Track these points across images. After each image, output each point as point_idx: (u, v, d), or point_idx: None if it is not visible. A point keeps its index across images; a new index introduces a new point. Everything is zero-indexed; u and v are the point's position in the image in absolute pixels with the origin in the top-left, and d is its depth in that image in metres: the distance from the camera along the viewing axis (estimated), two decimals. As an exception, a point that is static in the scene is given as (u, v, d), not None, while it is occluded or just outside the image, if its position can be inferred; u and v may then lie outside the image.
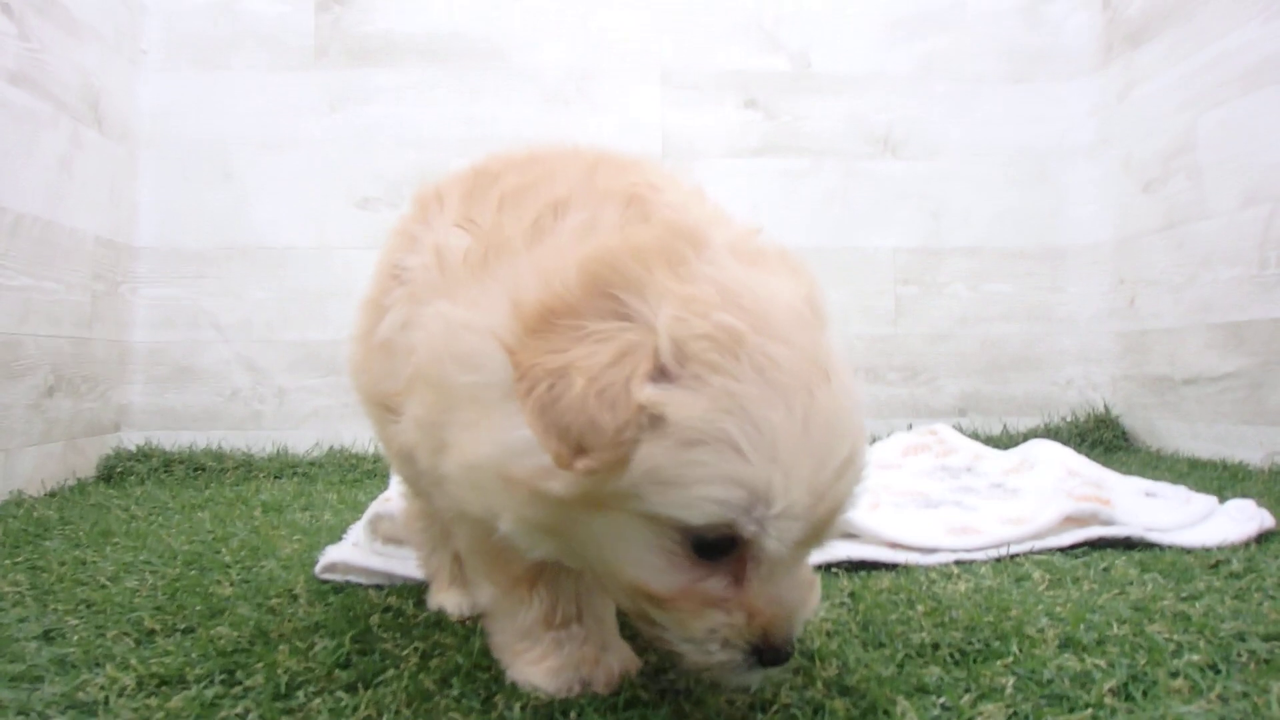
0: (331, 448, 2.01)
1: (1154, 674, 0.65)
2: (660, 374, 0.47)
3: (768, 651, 0.52)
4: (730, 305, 0.49)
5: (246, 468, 1.90)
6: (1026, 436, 2.08)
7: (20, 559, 1.08)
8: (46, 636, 0.78)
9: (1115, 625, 0.76)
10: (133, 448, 1.95)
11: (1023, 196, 2.29)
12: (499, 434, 0.51)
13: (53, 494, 1.65)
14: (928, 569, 1.03)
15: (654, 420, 0.47)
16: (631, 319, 0.49)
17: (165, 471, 1.87)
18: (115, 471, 1.86)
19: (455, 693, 0.63)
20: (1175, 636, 0.73)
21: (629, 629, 0.69)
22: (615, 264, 0.50)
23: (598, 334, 0.48)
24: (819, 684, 0.64)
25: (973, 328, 2.27)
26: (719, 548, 0.50)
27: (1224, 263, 1.88)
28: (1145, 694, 0.62)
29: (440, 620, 0.83)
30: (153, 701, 0.62)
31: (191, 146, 2.06)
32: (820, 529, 0.51)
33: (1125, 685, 0.63)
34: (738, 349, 0.48)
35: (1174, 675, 0.65)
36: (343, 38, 2.11)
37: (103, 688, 0.64)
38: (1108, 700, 0.61)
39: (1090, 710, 0.59)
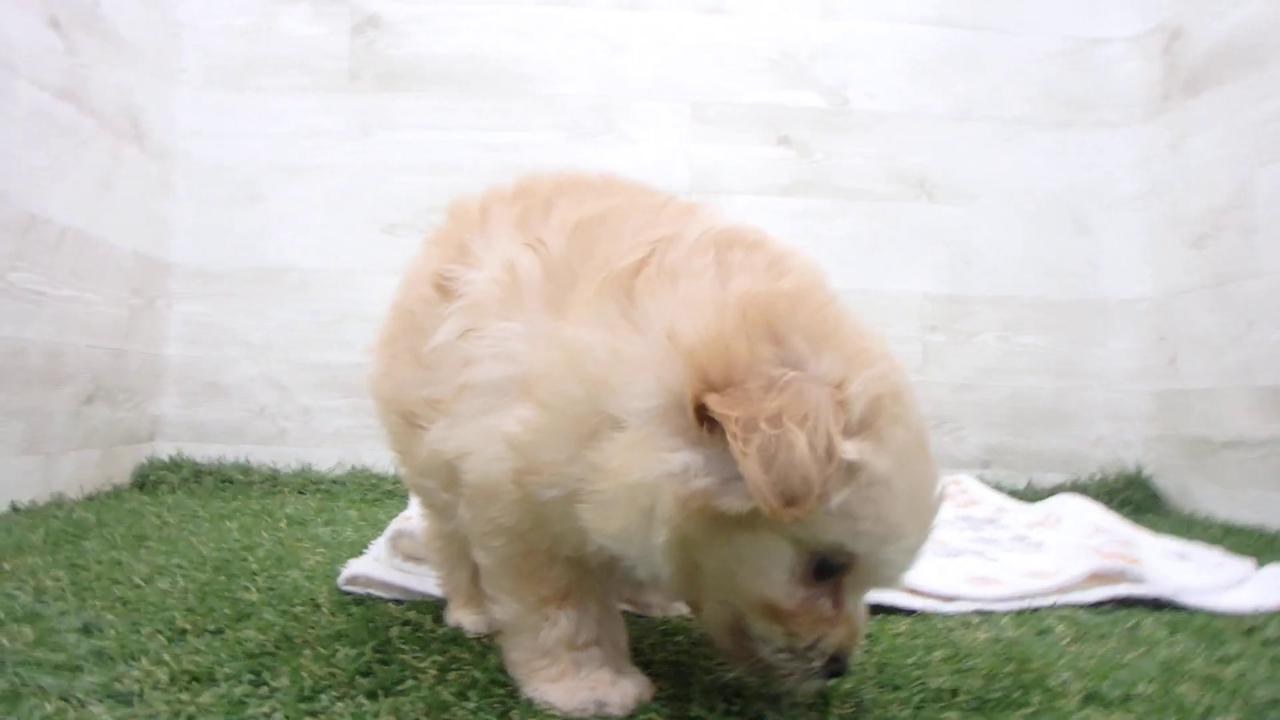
0: (353, 467, 2.04)
1: None
2: (848, 429, 0.53)
3: (840, 660, 0.59)
4: (895, 367, 0.57)
5: (272, 482, 1.94)
6: (1052, 492, 2.03)
7: (60, 556, 1.12)
8: (86, 630, 0.81)
9: (1143, 684, 0.74)
10: (165, 458, 2.01)
11: (1059, 246, 2.23)
12: (660, 459, 0.54)
13: (91, 498, 1.71)
14: (946, 616, 1.02)
15: (849, 469, 0.53)
16: (802, 367, 0.54)
17: (195, 482, 1.92)
18: (149, 480, 1.92)
19: (472, 705, 0.65)
20: (1206, 699, 0.70)
21: (639, 658, 0.70)
22: (776, 309, 0.55)
23: (786, 384, 0.53)
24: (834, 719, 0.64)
25: (1001, 379, 2.22)
26: (831, 570, 0.57)
27: (1272, 324, 1.80)
28: None
29: (458, 636, 0.84)
30: (184, 696, 0.65)
31: (223, 167, 2.11)
32: (913, 563, 0.59)
33: None
34: (902, 406, 0.56)
35: None
36: (375, 61, 2.14)
37: (138, 680, 0.67)
38: None
39: None
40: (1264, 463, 1.83)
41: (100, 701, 0.63)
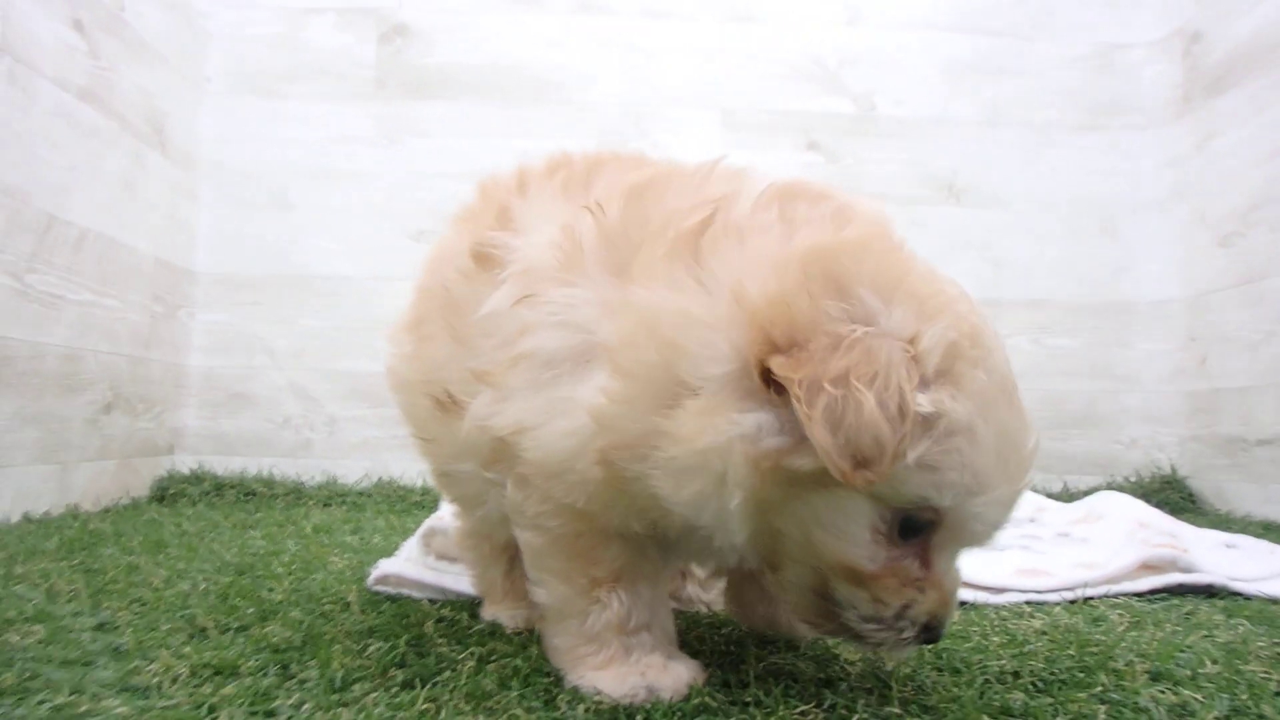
0: (380, 479, 2.01)
1: (1259, 708, 0.61)
2: (924, 381, 0.51)
3: (934, 629, 0.56)
4: (973, 311, 0.54)
5: (296, 494, 1.91)
6: (1087, 494, 1.98)
7: (75, 562, 1.09)
8: (100, 628, 0.77)
9: (1208, 663, 0.71)
10: (185, 470, 1.98)
11: (1090, 249, 2.23)
12: (732, 421, 0.52)
13: (107, 510, 1.68)
14: (998, 607, 0.98)
15: (926, 421, 0.50)
16: (872, 321, 0.52)
17: (216, 495, 1.89)
18: (168, 493, 1.89)
19: (515, 694, 0.60)
20: (1275, 675, 0.68)
21: (688, 648, 0.67)
22: (842, 262, 0.53)
23: (855, 342, 0.50)
24: (895, 703, 0.60)
25: (1034, 382, 2.18)
26: (916, 530, 0.55)
27: None
28: None
29: (496, 630, 0.80)
30: (206, 689, 0.61)
31: (250, 174, 2.11)
32: (1006, 518, 0.56)
33: (1228, 717, 0.59)
34: (982, 350, 0.53)
35: None
36: (402, 70, 2.16)
37: (156, 674, 0.63)
38: None
39: None
40: None
41: (115, 695, 0.59)
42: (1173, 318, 2.18)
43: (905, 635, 0.56)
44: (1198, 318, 2.12)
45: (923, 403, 0.50)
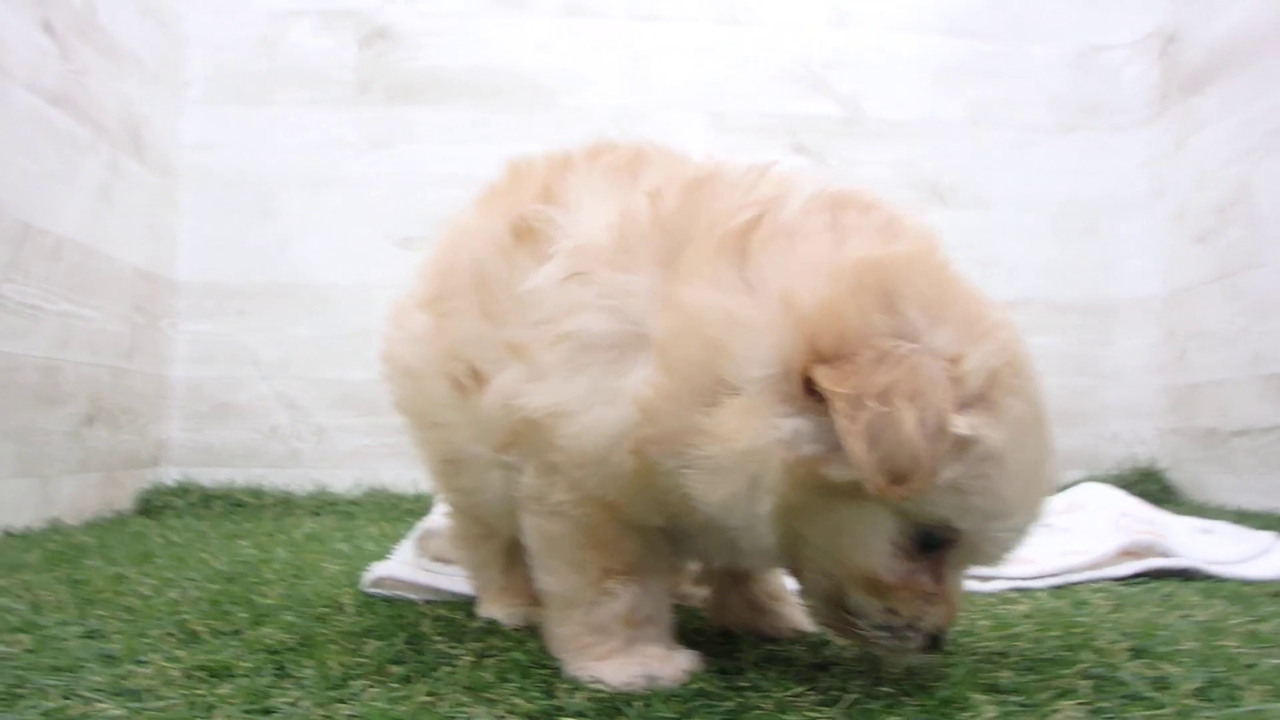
0: (371, 488, 1.99)
1: (1234, 679, 0.63)
2: (962, 404, 0.51)
3: (938, 640, 0.58)
4: (1015, 339, 0.55)
5: (285, 504, 1.88)
6: (1070, 488, 2.03)
7: (59, 574, 1.07)
8: (89, 635, 0.76)
9: (1186, 640, 0.75)
10: (171, 483, 1.96)
11: (1073, 248, 2.27)
12: (771, 425, 0.52)
13: (90, 524, 1.65)
14: (986, 594, 1.01)
15: (961, 444, 0.51)
16: (917, 339, 0.52)
17: (204, 506, 1.87)
18: (153, 505, 1.86)
19: (514, 685, 0.60)
20: (1249, 650, 0.71)
21: (687, 640, 0.67)
22: (892, 277, 0.53)
23: (900, 358, 0.51)
24: (888, 682, 0.61)
25: (1020, 380, 2.24)
26: (933, 545, 0.56)
27: (1279, 313, 1.85)
28: (1227, 696, 0.60)
29: (494, 627, 0.80)
30: (201, 690, 0.60)
31: (232, 181, 2.08)
32: (1021, 544, 0.57)
33: (1205, 689, 0.61)
34: (1021, 378, 0.54)
35: (1254, 681, 0.63)
36: (386, 74, 2.14)
37: (149, 677, 0.63)
38: (1189, 701, 0.59)
39: (1173, 709, 0.57)
40: (1274, 448, 1.85)
41: (108, 698, 0.58)
42: (1153, 314, 2.23)
43: (911, 645, 0.57)
44: (1176, 313, 2.17)
45: (960, 425, 0.50)
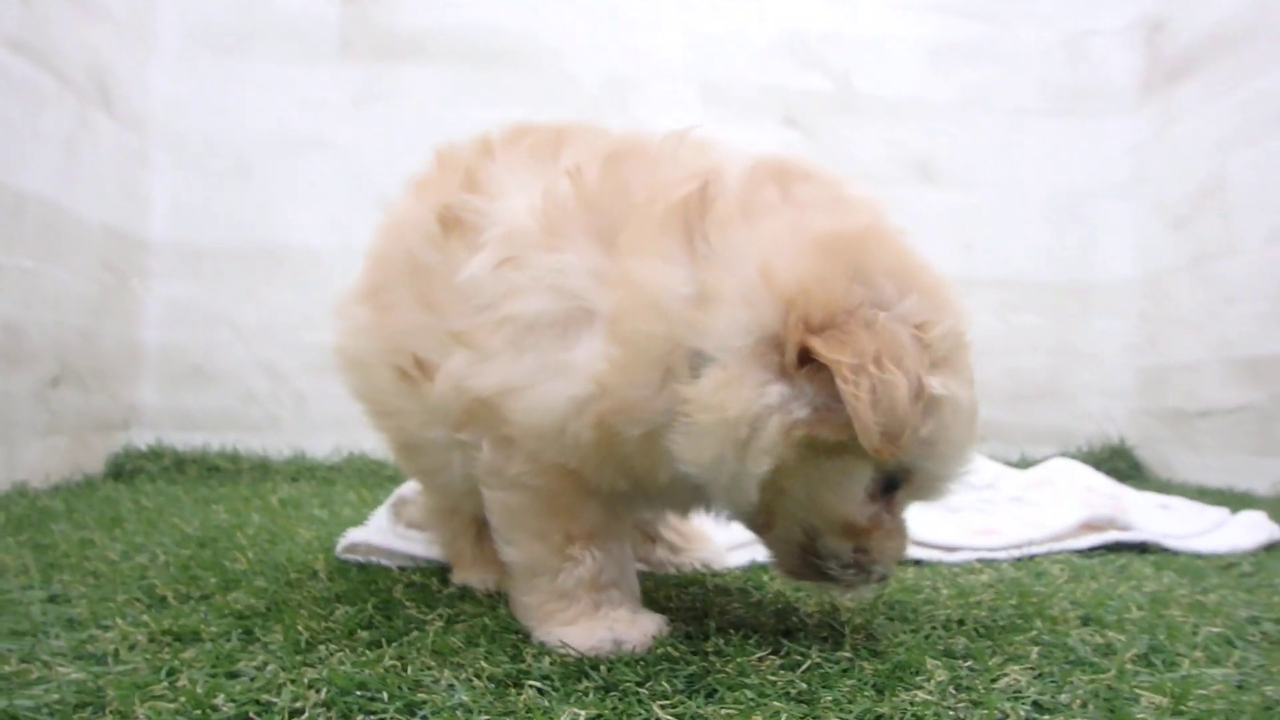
0: (351, 453, 1.97)
1: (1174, 647, 0.67)
2: (933, 365, 0.56)
3: (888, 568, 0.63)
4: (960, 308, 0.60)
5: (262, 470, 1.87)
6: (1042, 463, 2.08)
7: (24, 538, 1.06)
8: (52, 599, 0.76)
9: (1134, 609, 0.78)
10: (143, 447, 1.93)
11: (1055, 231, 2.30)
12: (761, 390, 0.55)
13: (58, 488, 1.63)
14: (951, 565, 1.04)
15: (933, 402, 0.56)
16: (889, 307, 0.57)
17: (177, 471, 1.85)
18: (125, 469, 1.84)
19: (482, 650, 0.61)
20: (1191, 619, 0.75)
21: (656, 606, 0.69)
22: (862, 249, 0.57)
23: (880, 327, 0.55)
24: (847, 647, 0.63)
25: (998, 358, 2.26)
26: (893, 486, 0.61)
27: (1248, 299, 1.90)
28: (1165, 662, 0.63)
29: (466, 593, 0.81)
30: (166, 654, 0.60)
31: (209, 140, 2.02)
32: (954, 484, 0.63)
33: (1146, 655, 0.65)
34: (964, 343, 0.59)
35: (1192, 648, 0.66)
36: (370, 31, 2.08)
37: (112, 642, 0.63)
38: (1129, 666, 0.62)
39: (1114, 673, 0.59)
40: (1235, 429, 1.93)
41: (69, 662, 0.58)
42: (1128, 297, 2.28)
43: (875, 572, 0.62)
44: (1150, 297, 2.22)
45: (935, 385, 0.56)
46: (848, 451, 0.56)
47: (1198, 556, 1.10)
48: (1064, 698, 0.54)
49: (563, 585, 0.63)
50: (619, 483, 0.62)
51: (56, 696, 0.52)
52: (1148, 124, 2.24)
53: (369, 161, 2.05)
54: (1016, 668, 0.60)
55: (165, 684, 0.54)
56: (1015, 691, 0.56)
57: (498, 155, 0.69)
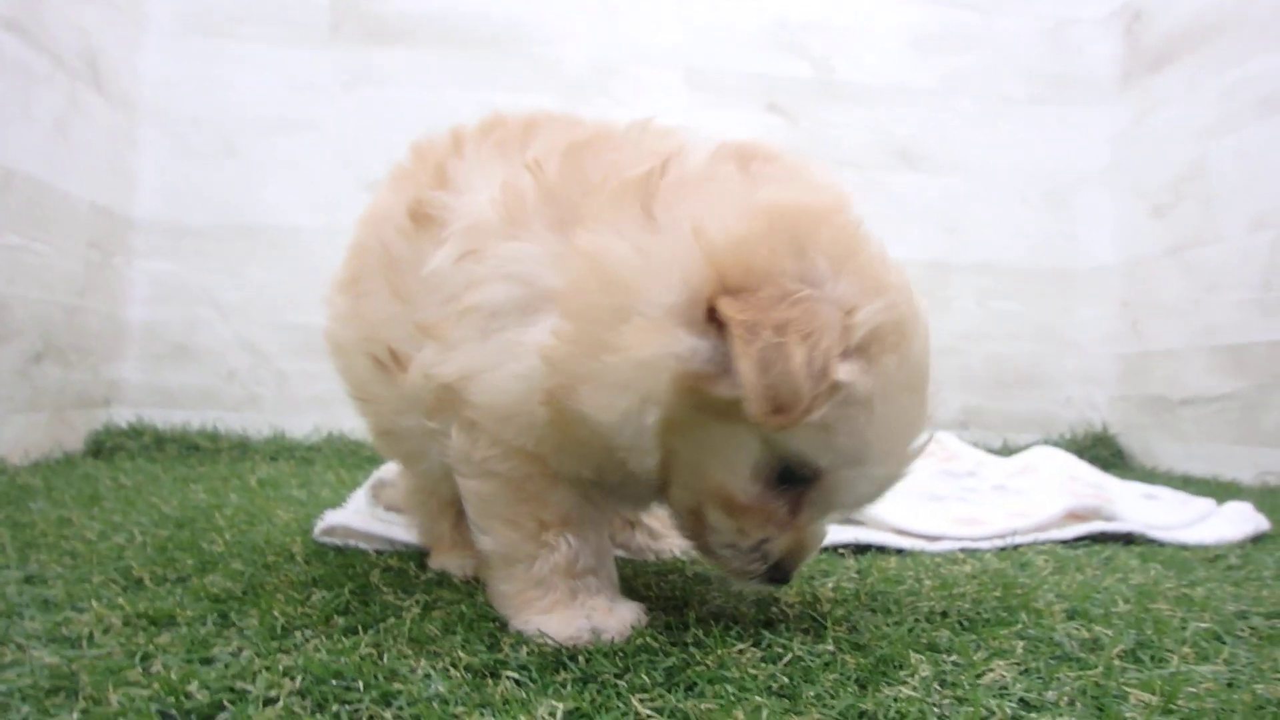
0: (331, 433, 1.97)
1: (1161, 642, 0.66)
2: (846, 353, 0.54)
3: (783, 571, 0.61)
4: (906, 302, 0.57)
5: (242, 449, 1.86)
6: (1025, 450, 2.08)
7: (2, 516, 1.05)
8: (28, 580, 0.75)
9: (1120, 603, 0.77)
10: (124, 424, 1.91)
11: (1036, 218, 2.30)
12: (671, 339, 0.54)
13: (37, 464, 1.61)
14: (934, 554, 1.03)
15: (835, 388, 0.53)
16: (820, 285, 0.55)
17: (157, 449, 1.83)
18: (105, 446, 1.82)
19: (459, 638, 0.61)
20: (1179, 614, 0.74)
21: (635, 594, 0.69)
22: (804, 224, 0.55)
23: (800, 300, 0.53)
24: (829, 640, 0.62)
25: (979, 344, 2.27)
26: (794, 480, 0.58)
27: (1229, 286, 1.90)
28: (1154, 658, 0.63)
29: (443, 579, 0.80)
30: (141, 638, 0.60)
31: (196, 119, 2.01)
32: (876, 495, 0.60)
33: (1134, 650, 0.64)
34: (904, 341, 0.56)
35: (1181, 644, 0.66)
36: (359, 14, 2.07)
37: (87, 625, 0.62)
38: (1117, 662, 0.61)
39: (1101, 669, 0.59)
40: (1218, 417, 1.94)
41: (43, 645, 0.58)
42: (1109, 284, 2.29)
43: (754, 567, 0.60)
44: (1131, 284, 2.23)
45: (843, 371, 0.53)
46: (737, 419, 0.54)
47: (1184, 548, 1.09)
48: (1051, 695, 0.54)
49: (538, 573, 0.63)
50: (581, 469, 0.62)
51: (29, 681, 0.51)
52: (1128, 112, 2.25)
53: (356, 143, 2.05)
54: (1002, 663, 0.59)
55: (139, 669, 0.53)
56: (1001, 688, 0.55)
57: (466, 150, 0.70)
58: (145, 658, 0.56)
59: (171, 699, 0.49)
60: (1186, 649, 0.64)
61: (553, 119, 0.72)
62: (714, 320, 0.54)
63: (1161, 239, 2.11)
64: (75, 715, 0.47)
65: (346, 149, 2.05)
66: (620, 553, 0.90)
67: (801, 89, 2.22)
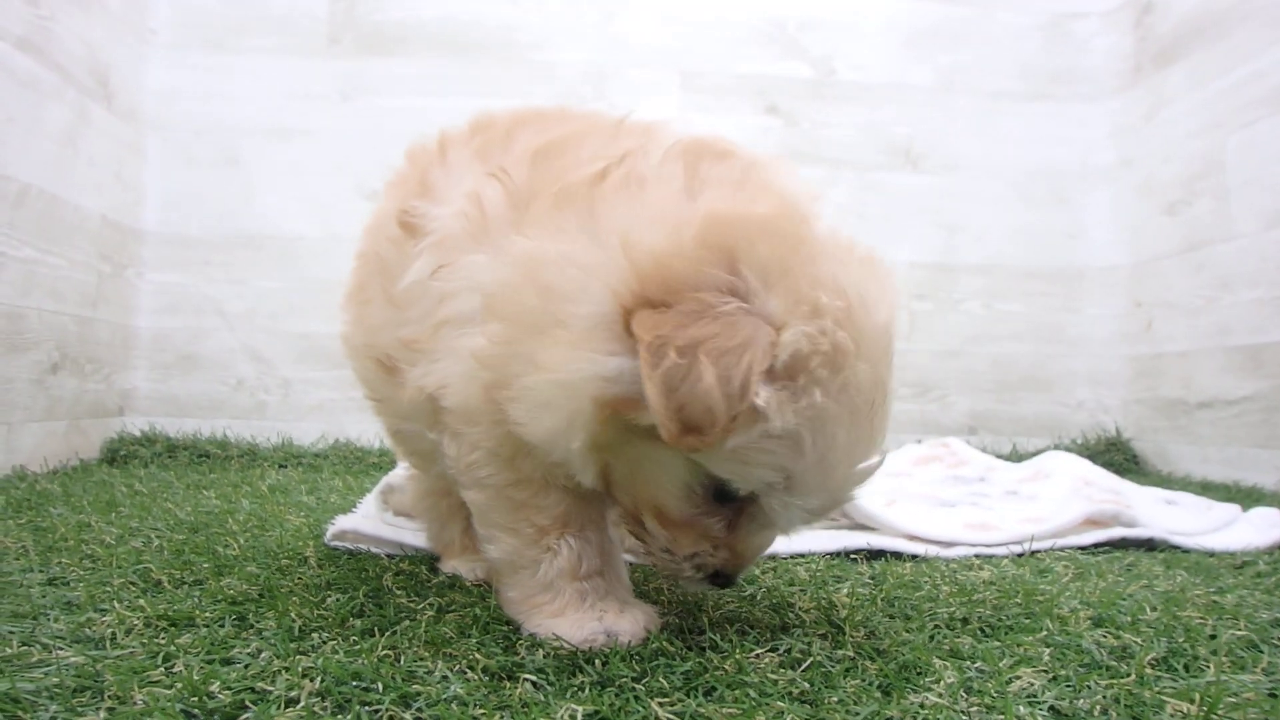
0: (337, 440, 1.98)
1: (1194, 650, 0.64)
2: (770, 374, 0.51)
3: (725, 578, 0.61)
4: (846, 323, 0.52)
5: (251, 456, 1.87)
6: (1035, 456, 2.06)
7: (24, 521, 1.06)
8: (50, 583, 0.76)
9: (1148, 610, 0.75)
10: (137, 432, 1.93)
11: (1040, 216, 2.28)
12: (593, 360, 0.53)
13: (55, 472, 1.62)
14: (948, 560, 1.01)
15: (754, 413, 0.50)
16: (749, 300, 0.52)
17: (169, 456, 1.85)
18: (119, 454, 1.84)
19: (474, 640, 0.61)
20: (1210, 621, 0.72)
21: (648, 599, 0.69)
22: (739, 236, 0.52)
23: (721, 314, 0.50)
24: (849, 645, 0.62)
25: (984, 346, 2.26)
26: (729, 498, 0.57)
27: (1245, 285, 1.86)
28: (1187, 667, 0.61)
29: (456, 583, 0.80)
30: (162, 639, 0.60)
31: (199, 130, 2.03)
32: (812, 519, 0.58)
33: (1166, 659, 0.62)
34: (839, 369, 0.52)
35: (1214, 653, 0.63)
36: (357, 25, 2.10)
37: (110, 625, 0.63)
38: (1150, 671, 0.59)
39: (1134, 678, 0.57)
40: (1238, 420, 1.89)
41: (69, 646, 0.58)
42: (1119, 284, 2.25)
43: (690, 574, 0.60)
44: (1143, 284, 2.19)
45: (760, 396, 0.50)
46: (662, 442, 0.52)
47: (1209, 554, 1.06)
48: (1083, 703, 0.52)
49: (544, 577, 0.63)
50: (553, 471, 0.61)
51: (56, 680, 0.52)
52: (1136, 107, 2.21)
53: (354, 152, 2.06)
54: (1029, 670, 0.57)
55: (162, 670, 0.54)
56: (1030, 696, 0.53)
57: (449, 157, 0.70)
58: (167, 658, 0.56)
59: (194, 700, 0.49)
60: (1221, 657, 0.62)
61: (542, 116, 0.72)
62: (632, 336, 0.51)
63: (1174, 237, 2.07)
64: (101, 714, 0.47)
65: (345, 157, 2.06)
66: (630, 557, 0.89)
67: (798, 89, 2.21)
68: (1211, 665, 0.60)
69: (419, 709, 0.49)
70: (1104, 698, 0.54)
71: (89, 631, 0.61)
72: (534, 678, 0.54)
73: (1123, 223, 2.24)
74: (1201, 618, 0.73)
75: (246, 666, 0.55)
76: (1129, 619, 0.72)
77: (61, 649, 0.57)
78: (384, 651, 0.58)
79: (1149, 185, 2.17)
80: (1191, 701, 0.52)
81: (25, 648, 0.58)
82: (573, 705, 0.49)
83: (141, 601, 0.69)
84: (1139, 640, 0.65)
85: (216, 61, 2.04)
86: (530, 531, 0.63)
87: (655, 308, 0.51)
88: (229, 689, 0.51)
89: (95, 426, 1.85)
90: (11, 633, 0.60)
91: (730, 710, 0.50)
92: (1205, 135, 1.98)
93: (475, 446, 0.62)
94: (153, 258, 2.01)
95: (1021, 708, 0.52)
